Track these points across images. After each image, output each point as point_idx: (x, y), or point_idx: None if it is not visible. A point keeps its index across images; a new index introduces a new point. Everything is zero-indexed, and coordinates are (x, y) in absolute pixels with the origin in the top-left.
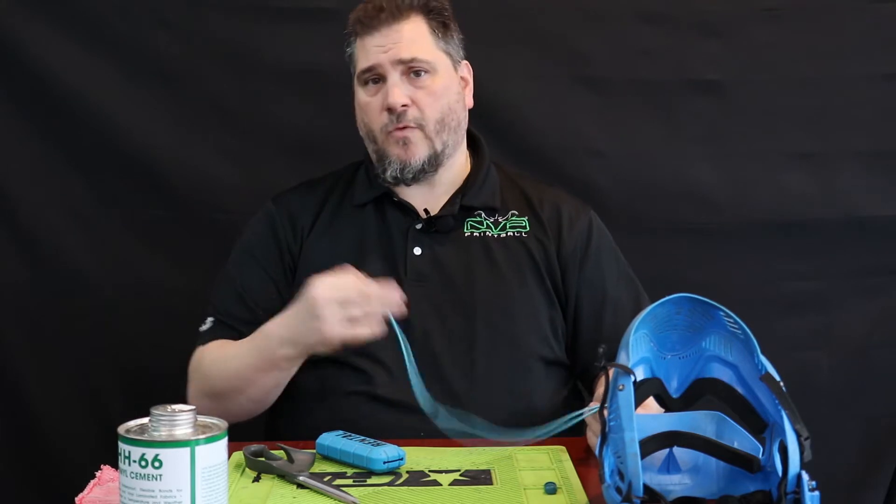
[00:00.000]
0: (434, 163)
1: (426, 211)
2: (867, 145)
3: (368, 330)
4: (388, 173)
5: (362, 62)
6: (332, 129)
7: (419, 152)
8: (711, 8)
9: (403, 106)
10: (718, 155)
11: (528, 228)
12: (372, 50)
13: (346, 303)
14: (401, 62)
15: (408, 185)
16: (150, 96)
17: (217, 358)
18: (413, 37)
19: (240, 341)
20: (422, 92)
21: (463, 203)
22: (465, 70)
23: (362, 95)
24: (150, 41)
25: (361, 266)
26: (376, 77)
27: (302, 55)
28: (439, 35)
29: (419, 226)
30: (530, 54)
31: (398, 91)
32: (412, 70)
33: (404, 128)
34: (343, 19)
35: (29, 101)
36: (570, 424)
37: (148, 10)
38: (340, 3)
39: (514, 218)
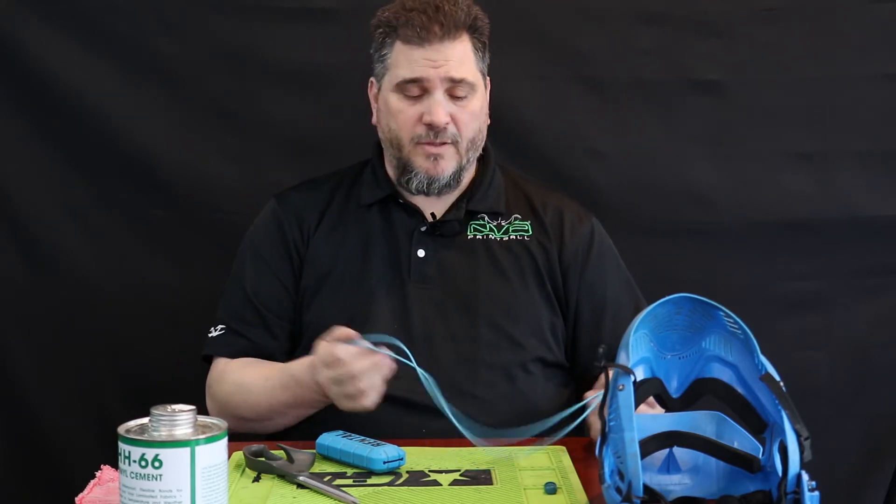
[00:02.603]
0: (458, 178)
1: (433, 215)
2: (867, 145)
3: (368, 402)
4: (414, 185)
5: (405, 71)
6: (332, 128)
7: (448, 168)
8: (711, 8)
9: (445, 124)
10: (718, 155)
11: (530, 232)
12: (420, 62)
13: (341, 382)
14: (451, 81)
15: (427, 196)
16: (150, 96)
17: (239, 388)
18: (462, 57)
19: (264, 374)
20: (462, 112)
21: (468, 207)
22: (488, 85)
23: (395, 102)
24: (150, 41)
25: (366, 267)
26: (417, 89)
27: (302, 55)
28: (480, 55)
29: (424, 228)
30: (530, 54)
31: (443, 110)
32: (456, 89)
33: (440, 144)
34: (343, 19)
35: (29, 101)
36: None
37: (148, 10)
38: (340, 3)
39: (517, 222)
